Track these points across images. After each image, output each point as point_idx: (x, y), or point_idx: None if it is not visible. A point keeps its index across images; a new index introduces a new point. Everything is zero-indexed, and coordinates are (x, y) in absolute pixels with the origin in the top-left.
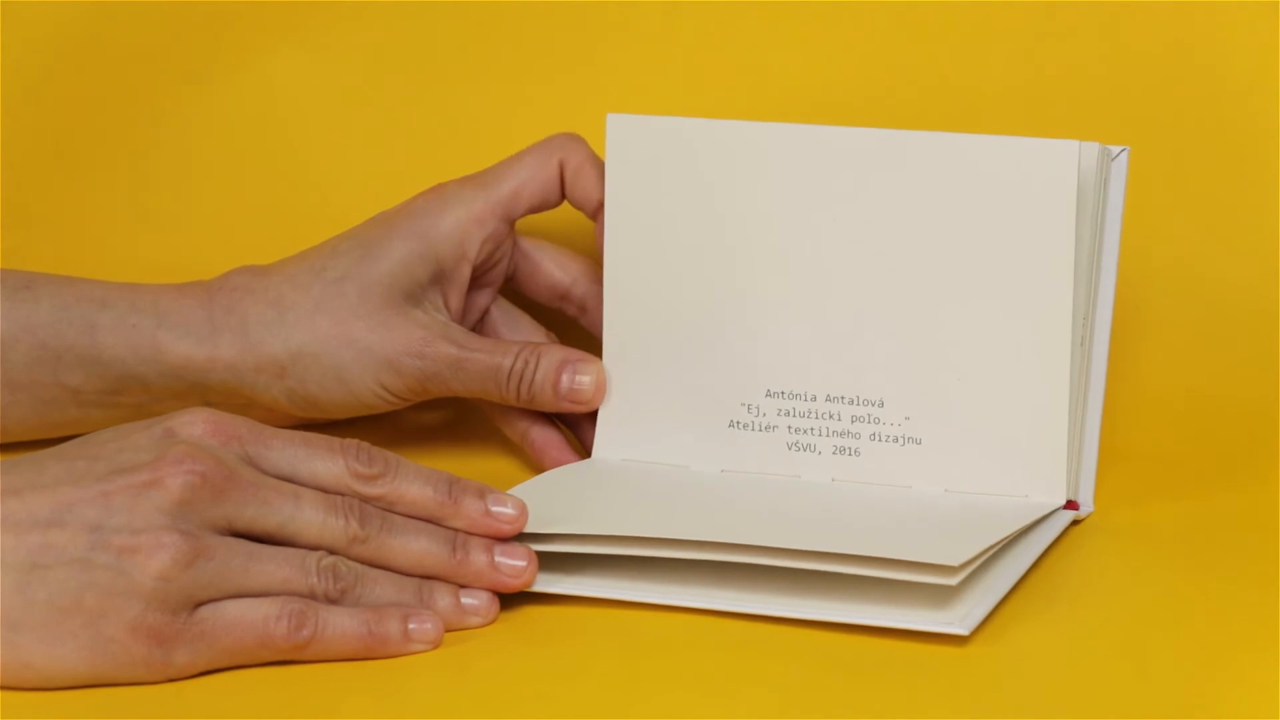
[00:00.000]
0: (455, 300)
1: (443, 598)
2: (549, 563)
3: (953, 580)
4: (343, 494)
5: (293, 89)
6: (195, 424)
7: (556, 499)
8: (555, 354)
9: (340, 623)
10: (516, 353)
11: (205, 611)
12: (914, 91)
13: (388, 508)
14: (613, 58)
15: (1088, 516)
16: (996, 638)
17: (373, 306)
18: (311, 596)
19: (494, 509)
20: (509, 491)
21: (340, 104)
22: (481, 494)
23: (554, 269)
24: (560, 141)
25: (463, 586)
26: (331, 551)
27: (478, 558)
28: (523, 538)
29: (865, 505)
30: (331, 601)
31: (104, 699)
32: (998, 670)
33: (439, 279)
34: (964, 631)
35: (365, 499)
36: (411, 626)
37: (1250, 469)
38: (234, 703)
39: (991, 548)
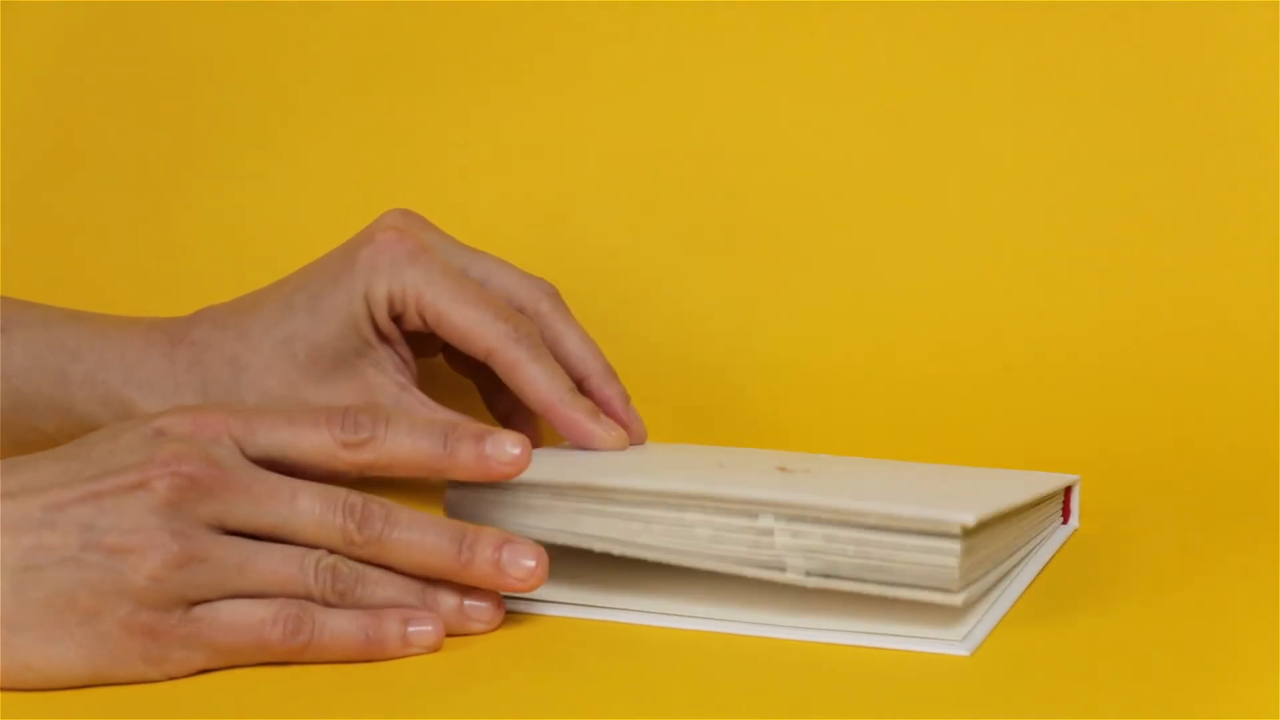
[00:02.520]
0: (405, 351)
1: (446, 600)
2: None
3: (957, 600)
4: (334, 469)
5: (294, 89)
6: (183, 422)
7: (537, 463)
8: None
9: (337, 626)
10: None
11: (200, 611)
12: (913, 90)
13: (382, 471)
14: (601, 65)
15: (1082, 524)
16: (995, 638)
17: (323, 368)
18: (309, 598)
19: (491, 451)
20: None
21: (341, 105)
22: (479, 437)
23: (461, 349)
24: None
25: (467, 589)
26: (331, 550)
27: (484, 554)
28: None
29: (872, 476)
30: (330, 604)
31: (104, 699)
32: (997, 670)
33: (385, 337)
34: (965, 653)
35: (357, 467)
36: (410, 630)
37: (1250, 470)
38: (234, 703)
39: (1008, 510)
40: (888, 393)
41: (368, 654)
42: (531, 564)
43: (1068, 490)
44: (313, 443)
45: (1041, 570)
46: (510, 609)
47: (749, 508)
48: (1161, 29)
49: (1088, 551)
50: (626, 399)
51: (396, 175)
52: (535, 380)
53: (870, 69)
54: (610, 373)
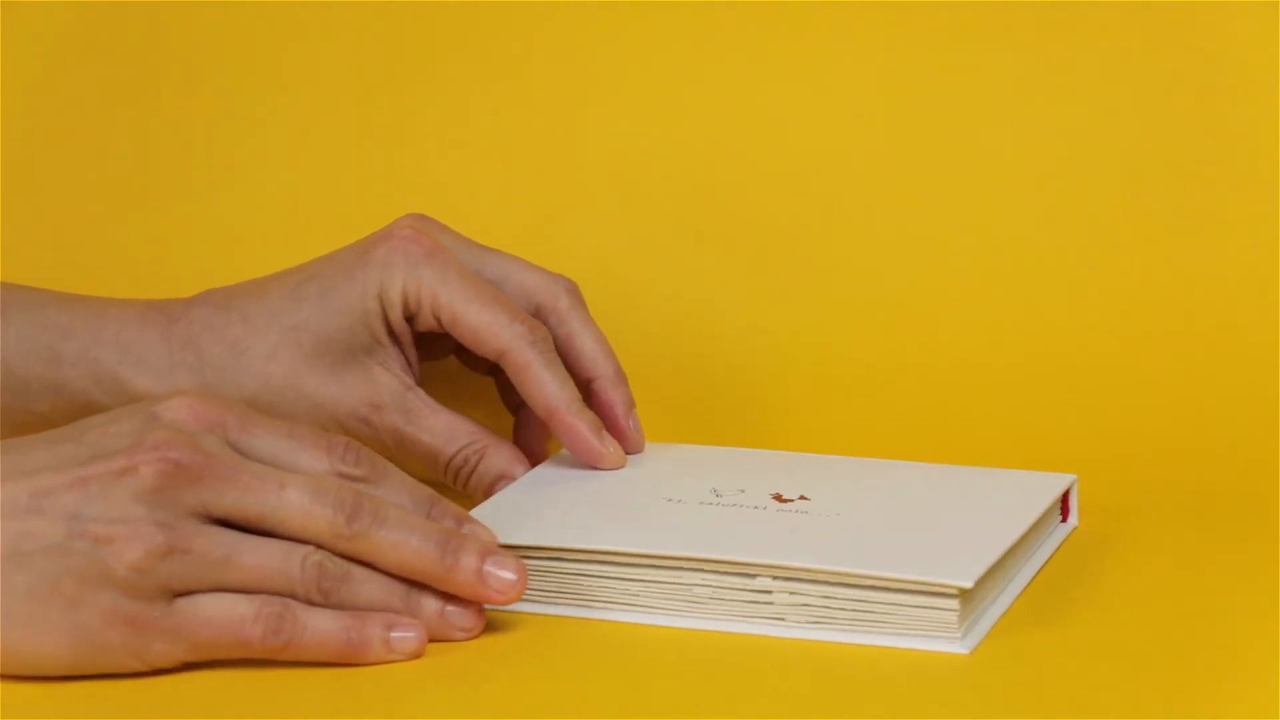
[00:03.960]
0: (412, 353)
1: (429, 604)
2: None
3: (955, 605)
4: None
5: (293, 87)
6: (180, 408)
7: (533, 511)
8: (499, 460)
9: (320, 626)
10: (460, 447)
11: (182, 604)
12: (913, 90)
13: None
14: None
15: (1080, 524)
16: (995, 638)
17: (328, 361)
18: (293, 594)
19: (469, 533)
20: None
21: (342, 103)
22: (459, 520)
23: (474, 350)
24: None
25: (451, 596)
26: (317, 543)
27: (467, 562)
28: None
29: (869, 505)
30: (314, 602)
31: (100, 699)
32: (997, 670)
33: (396, 337)
34: (965, 652)
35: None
36: (394, 635)
37: (1250, 470)
38: (225, 702)
39: (1002, 556)
40: (887, 392)
41: (349, 656)
42: (513, 577)
43: (1066, 488)
44: (310, 464)
45: (1041, 570)
46: (508, 609)
47: (746, 569)
48: (1161, 29)
49: (1087, 551)
50: (630, 406)
51: (396, 174)
52: (544, 384)
53: (870, 69)
54: (619, 377)
